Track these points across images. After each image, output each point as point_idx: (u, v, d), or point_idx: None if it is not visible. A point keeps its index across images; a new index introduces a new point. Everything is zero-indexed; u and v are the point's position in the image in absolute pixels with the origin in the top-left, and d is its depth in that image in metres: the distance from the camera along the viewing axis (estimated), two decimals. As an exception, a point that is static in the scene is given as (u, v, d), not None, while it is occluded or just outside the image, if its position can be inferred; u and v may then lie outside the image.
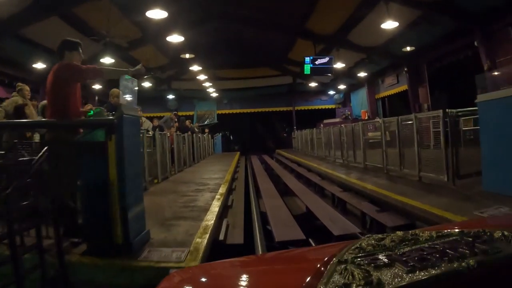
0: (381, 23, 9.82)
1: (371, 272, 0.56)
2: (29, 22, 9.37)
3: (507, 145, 4.17)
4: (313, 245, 4.26)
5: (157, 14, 8.00)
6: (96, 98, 16.78)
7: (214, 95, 23.01)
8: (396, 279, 0.54)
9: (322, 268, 0.61)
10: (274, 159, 19.25)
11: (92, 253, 2.93)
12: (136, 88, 3.30)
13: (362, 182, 6.56)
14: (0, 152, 2.93)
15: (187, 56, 12.85)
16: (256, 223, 5.15)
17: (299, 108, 23.87)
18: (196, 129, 15.23)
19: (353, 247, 0.67)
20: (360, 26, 12.22)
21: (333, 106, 23.18)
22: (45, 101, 5.08)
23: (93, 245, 3.02)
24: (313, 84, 21.03)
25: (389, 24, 9.64)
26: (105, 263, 2.72)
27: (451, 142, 5.35)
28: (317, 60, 14.20)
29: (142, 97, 19.95)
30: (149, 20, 8.67)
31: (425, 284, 0.54)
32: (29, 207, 2.24)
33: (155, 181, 7.40)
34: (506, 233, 0.67)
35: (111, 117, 3.02)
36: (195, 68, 15.33)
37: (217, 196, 5.38)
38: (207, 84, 20.30)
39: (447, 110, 5.44)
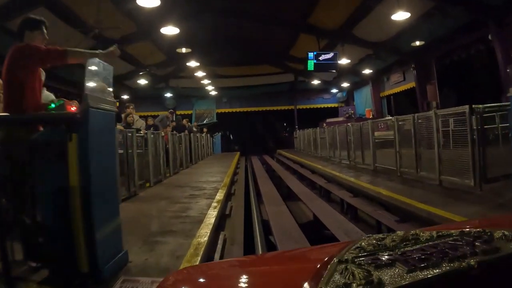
0: (391, 15, 9.21)
1: (372, 272, 0.54)
2: (14, 15, 8.74)
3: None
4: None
5: (149, 1, 7.33)
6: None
7: (213, 93, 22.37)
8: (397, 279, 0.53)
9: (323, 268, 0.59)
10: (275, 159, 18.74)
11: (53, 283, 2.37)
12: (111, 75, 2.66)
13: (374, 186, 5.92)
14: None
15: (184, 50, 12.16)
16: (259, 238, 4.51)
17: (300, 107, 23.25)
18: (194, 129, 14.67)
19: (353, 247, 0.65)
20: (367, 19, 11.62)
21: (336, 105, 22.59)
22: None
23: (55, 272, 2.47)
24: (315, 82, 20.46)
25: (400, 15, 9.00)
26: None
27: (478, 142, 4.87)
28: (321, 55, 13.63)
29: (139, 95, 19.54)
30: (141, 8, 8.01)
31: (425, 284, 0.53)
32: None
33: (147, 184, 6.78)
34: (506, 233, 0.65)
35: (73, 111, 2.38)
36: (192, 64, 14.68)
37: (214, 204, 4.73)
38: (205, 81, 19.67)
39: (473, 106, 5.00)
